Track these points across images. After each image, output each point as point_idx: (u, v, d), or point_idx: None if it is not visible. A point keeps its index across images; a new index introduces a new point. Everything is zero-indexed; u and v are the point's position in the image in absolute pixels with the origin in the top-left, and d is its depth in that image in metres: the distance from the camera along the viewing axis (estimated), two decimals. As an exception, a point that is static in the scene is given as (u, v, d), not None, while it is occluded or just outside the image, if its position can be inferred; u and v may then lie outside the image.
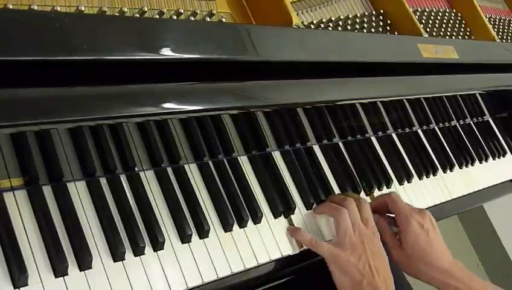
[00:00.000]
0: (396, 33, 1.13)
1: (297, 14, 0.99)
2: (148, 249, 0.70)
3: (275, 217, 0.85)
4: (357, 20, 1.09)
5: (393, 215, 0.92)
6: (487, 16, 1.44)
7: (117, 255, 0.67)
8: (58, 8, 0.68)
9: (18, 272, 0.59)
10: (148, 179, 0.76)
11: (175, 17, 0.81)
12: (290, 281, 0.84)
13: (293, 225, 0.86)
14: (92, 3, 0.75)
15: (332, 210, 0.86)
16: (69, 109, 0.59)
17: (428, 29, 1.23)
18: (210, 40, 0.71)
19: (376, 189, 1.02)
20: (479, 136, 1.35)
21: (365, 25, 1.09)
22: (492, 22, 1.45)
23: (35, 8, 0.67)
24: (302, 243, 0.84)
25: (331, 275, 0.81)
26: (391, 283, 0.82)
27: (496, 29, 1.42)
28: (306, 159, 0.94)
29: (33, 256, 0.62)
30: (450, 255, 0.90)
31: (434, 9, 1.33)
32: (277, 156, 0.91)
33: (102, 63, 0.61)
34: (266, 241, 0.81)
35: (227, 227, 0.78)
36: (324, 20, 1.04)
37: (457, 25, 1.35)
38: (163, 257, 0.71)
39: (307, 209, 0.89)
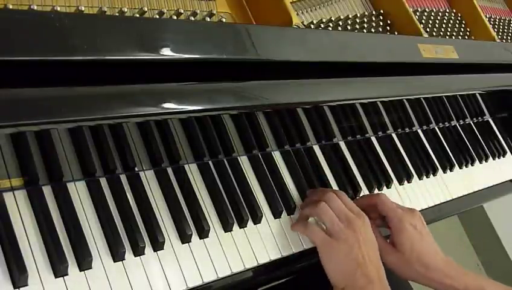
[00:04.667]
0: (396, 33, 1.13)
1: (297, 14, 0.99)
2: (148, 249, 0.70)
3: (275, 217, 0.85)
4: (357, 20, 1.09)
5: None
6: (487, 16, 1.44)
7: (117, 255, 0.67)
8: (58, 8, 0.68)
9: (18, 272, 0.59)
10: (148, 179, 0.76)
11: (175, 17, 0.81)
12: (290, 281, 0.84)
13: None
14: (92, 3, 0.75)
15: (311, 209, 0.83)
16: (69, 109, 0.59)
17: (428, 29, 1.23)
18: (210, 40, 0.71)
19: (376, 189, 1.02)
20: (479, 136, 1.35)
21: (365, 25, 1.09)
22: (492, 22, 1.45)
23: (35, 8, 0.67)
24: (298, 231, 0.83)
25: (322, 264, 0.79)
26: (383, 272, 0.80)
27: (496, 29, 1.42)
28: (306, 159, 0.94)
29: (33, 256, 0.62)
30: (441, 253, 0.88)
31: (434, 9, 1.33)
32: (277, 156, 0.91)
33: (102, 63, 0.61)
34: (266, 241, 0.81)
35: (227, 227, 0.78)
36: (324, 20, 1.04)
37: (457, 25, 1.35)
38: (163, 257, 0.71)
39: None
